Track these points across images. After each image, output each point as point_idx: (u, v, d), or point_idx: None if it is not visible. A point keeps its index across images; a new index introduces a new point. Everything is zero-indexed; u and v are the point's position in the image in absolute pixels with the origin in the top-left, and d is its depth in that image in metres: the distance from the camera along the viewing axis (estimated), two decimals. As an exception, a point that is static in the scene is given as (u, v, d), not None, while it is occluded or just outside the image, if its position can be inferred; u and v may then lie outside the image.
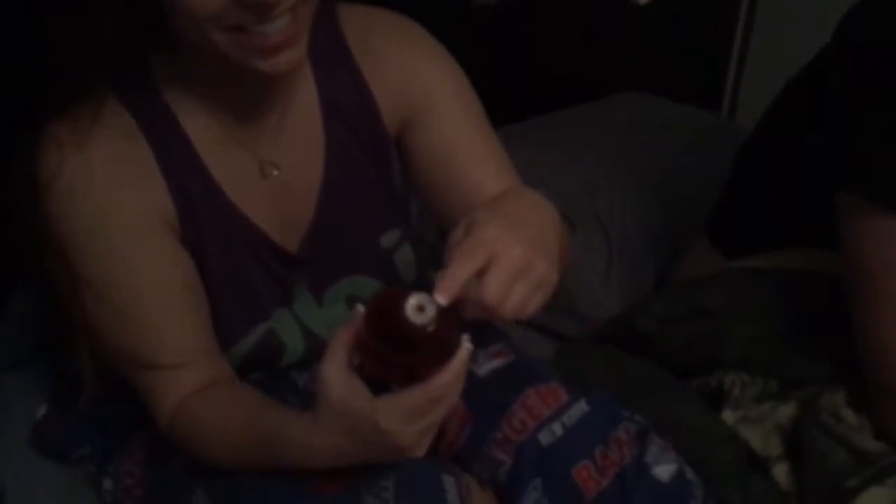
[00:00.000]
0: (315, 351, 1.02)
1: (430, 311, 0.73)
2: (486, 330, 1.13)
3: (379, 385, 0.79)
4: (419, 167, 1.03)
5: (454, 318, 0.75)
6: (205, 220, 0.94)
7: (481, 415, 1.02)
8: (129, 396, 0.97)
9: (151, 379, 0.94)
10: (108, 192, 0.88)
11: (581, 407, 1.03)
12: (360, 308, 0.77)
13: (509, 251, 0.74)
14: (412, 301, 0.73)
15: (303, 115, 0.98)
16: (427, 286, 0.75)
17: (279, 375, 1.05)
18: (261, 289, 0.99)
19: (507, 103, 1.75)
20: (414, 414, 0.77)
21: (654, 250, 1.48)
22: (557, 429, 1.01)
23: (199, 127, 0.93)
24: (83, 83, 0.86)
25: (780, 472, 1.07)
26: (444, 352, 0.77)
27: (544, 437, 1.00)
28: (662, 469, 1.00)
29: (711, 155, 1.64)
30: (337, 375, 0.78)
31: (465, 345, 0.77)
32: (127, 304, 0.91)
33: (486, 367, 1.07)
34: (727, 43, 2.14)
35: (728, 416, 1.13)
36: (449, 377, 0.77)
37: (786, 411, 1.11)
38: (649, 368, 1.22)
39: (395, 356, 0.75)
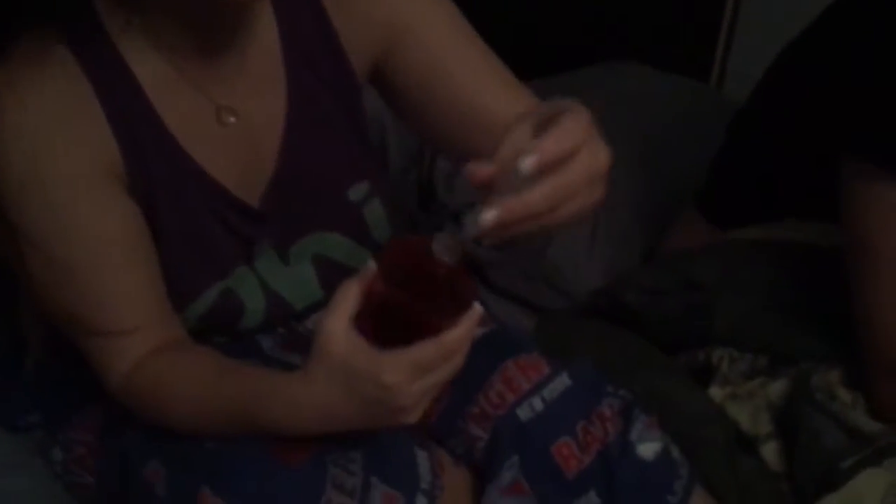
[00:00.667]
0: (278, 313, 0.98)
1: (457, 252, 0.71)
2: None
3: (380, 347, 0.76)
4: (409, 96, 0.95)
5: (469, 273, 0.73)
6: (155, 169, 0.87)
7: (457, 387, 0.95)
8: (80, 360, 0.91)
9: (100, 344, 0.88)
10: (44, 138, 0.81)
11: (563, 380, 0.97)
12: (372, 263, 0.75)
13: (598, 151, 0.70)
14: (441, 239, 0.70)
15: (263, 56, 0.91)
16: None
17: (241, 339, 0.99)
18: (218, 245, 0.92)
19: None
20: (421, 368, 0.75)
21: (641, 222, 1.43)
22: (537, 403, 0.95)
23: (150, 69, 0.86)
24: (19, 21, 0.79)
25: (770, 451, 1.03)
26: (461, 304, 0.74)
27: (523, 412, 0.95)
28: (647, 447, 0.96)
29: (700, 125, 1.60)
30: (341, 328, 0.75)
31: (476, 305, 0.75)
32: (68, 262, 0.84)
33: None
34: (717, 12, 2.09)
35: (715, 392, 1.09)
36: (462, 332, 0.74)
37: (776, 388, 1.06)
38: (635, 342, 1.17)
39: (411, 305, 0.73)
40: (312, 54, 0.92)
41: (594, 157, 0.70)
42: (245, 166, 0.92)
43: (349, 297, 0.76)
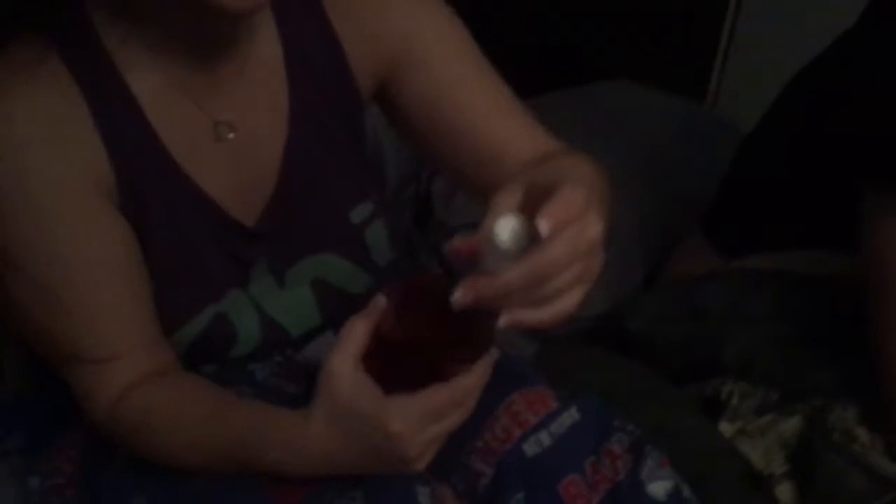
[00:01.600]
0: (273, 340, 0.94)
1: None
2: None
3: (387, 390, 0.73)
4: (414, 121, 0.92)
5: (490, 315, 0.67)
6: (147, 185, 0.82)
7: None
8: (62, 386, 0.86)
9: (84, 371, 0.84)
10: (32, 152, 0.77)
11: (571, 415, 0.93)
12: (382, 298, 0.72)
13: (589, 225, 0.65)
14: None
15: (264, 69, 0.87)
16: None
17: (233, 367, 0.94)
18: (211, 266, 0.88)
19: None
20: (430, 416, 0.73)
21: (643, 244, 1.39)
22: (545, 438, 0.91)
23: (146, 81, 0.81)
24: (10, 28, 0.75)
25: (785, 492, 0.99)
26: (477, 349, 0.71)
27: (530, 448, 0.91)
28: (658, 486, 0.92)
29: (698, 145, 1.59)
30: (347, 369, 0.72)
31: (494, 349, 0.72)
32: (52, 283, 0.80)
33: (465, 367, 0.96)
34: (714, 32, 2.07)
35: (725, 427, 1.05)
36: (475, 379, 0.72)
37: (789, 425, 1.03)
38: (641, 372, 1.13)
39: (425, 349, 0.70)
40: (316, 70, 0.88)
41: (582, 233, 0.65)
42: (243, 184, 0.87)
43: (357, 335, 0.72)
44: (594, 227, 0.66)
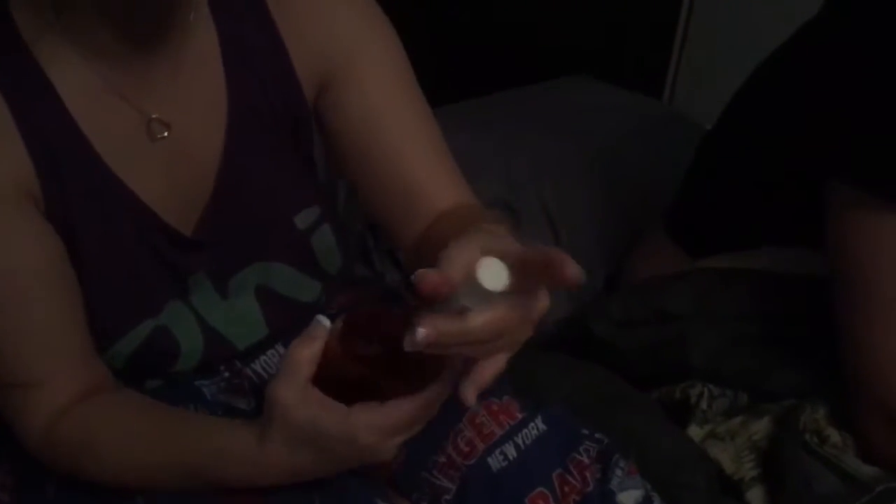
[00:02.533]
0: (218, 353, 0.90)
1: None
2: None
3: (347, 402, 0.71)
4: (339, 138, 0.88)
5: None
6: (75, 189, 0.77)
7: (423, 434, 0.87)
8: None
9: (12, 395, 0.79)
10: None
11: (537, 425, 0.90)
12: (326, 322, 0.71)
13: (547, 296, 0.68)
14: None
15: (201, 67, 0.82)
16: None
17: (178, 383, 0.90)
18: (148, 278, 0.83)
19: (442, 83, 1.64)
20: (397, 428, 0.72)
21: (604, 244, 1.37)
22: (510, 451, 0.88)
23: (71, 77, 0.76)
24: None
25: (756, 496, 0.97)
26: (428, 376, 0.71)
27: (494, 461, 0.88)
28: (628, 495, 0.90)
29: (658, 142, 1.58)
30: (298, 396, 0.70)
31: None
32: None
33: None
34: (669, 29, 2.06)
35: (695, 431, 1.03)
36: (442, 388, 0.71)
37: (759, 427, 1.01)
38: (607, 377, 1.11)
39: (374, 379, 0.69)
40: (258, 70, 0.84)
41: (540, 302, 0.67)
42: (178, 188, 0.83)
43: (301, 364, 0.70)
44: (546, 299, 0.68)
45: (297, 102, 0.87)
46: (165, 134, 0.81)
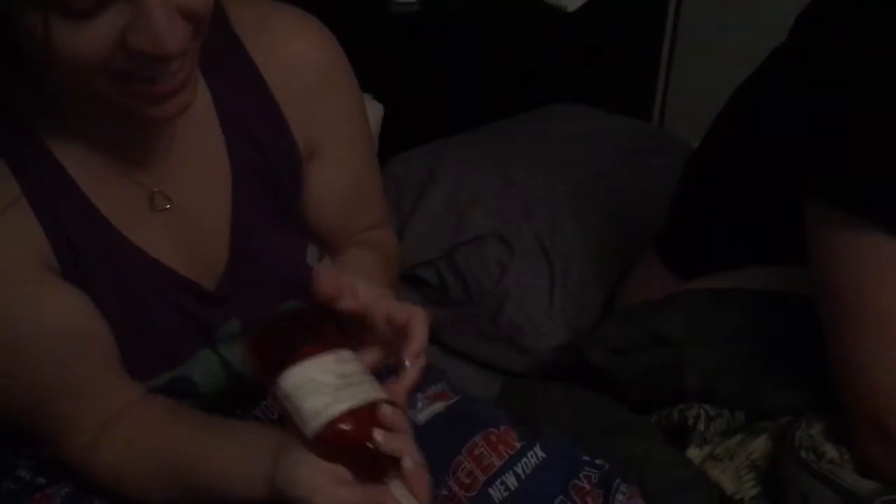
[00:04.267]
0: (235, 393, 0.93)
1: None
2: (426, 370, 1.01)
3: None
4: (307, 204, 0.93)
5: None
6: (90, 260, 0.79)
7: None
8: (26, 442, 0.87)
9: (49, 429, 0.84)
10: None
11: (536, 453, 0.92)
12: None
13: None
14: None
15: (199, 131, 0.84)
16: None
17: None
18: (172, 333, 0.85)
19: (430, 118, 1.66)
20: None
21: (600, 271, 1.37)
22: (511, 481, 0.89)
23: (75, 157, 0.79)
24: None
25: (757, 515, 0.96)
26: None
27: (496, 492, 0.90)
28: (632, 519, 0.89)
29: (648, 166, 1.57)
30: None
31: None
32: (6, 369, 0.78)
33: (425, 412, 0.94)
34: (655, 51, 2.08)
35: (694, 453, 1.03)
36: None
37: (757, 445, 1.01)
38: (604, 404, 1.11)
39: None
40: (253, 126, 0.86)
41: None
42: (192, 252, 0.85)
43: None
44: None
45: (293, 156, 0.89)
46: (167, 206, 0.83)
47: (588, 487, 0.90)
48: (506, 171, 1.46)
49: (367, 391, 0.73)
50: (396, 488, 0.72)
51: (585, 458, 0.93)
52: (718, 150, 1.17)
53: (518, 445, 0.91)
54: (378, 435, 0.71)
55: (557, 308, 1.31)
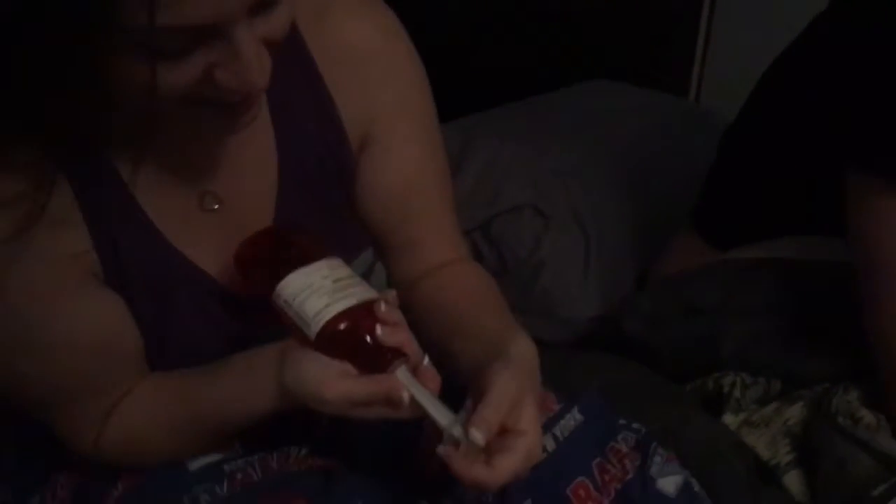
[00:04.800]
0: None
1: None
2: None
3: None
4: (361, 198, 0.91)
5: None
6: (132, 263, 0.80)
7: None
8: (39, 431, 0.86)
9: (62, 415, 0.84)
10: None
11: (574, 416, 0.92)
12: None
13: (537, 449, 0.75)
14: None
15: (251, 130, 0.80)
16: None
17: None
18: (204, 347, 0.85)
19: (466, 93, 1.67)
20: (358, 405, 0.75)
21: (634, 243, 1.38)
22: (549, 442, 0.89)
23: (128, 160, 0.77)
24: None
25: (792, 480, 0.98)
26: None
27: (535, 454, 0.89)
28: (668, 481, 0.90)
29: (685, 140, 1.58)
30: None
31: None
32: (36, 369, 0.79)
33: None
34: (692, 26, 2.06)
35: (729, 420, 1.04)
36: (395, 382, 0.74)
37: (793, 413, 1.01)
38: (639, 372, 1.12)
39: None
40: (305, 123, 0.85)
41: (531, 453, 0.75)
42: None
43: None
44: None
45: (344, 155, 0.88)
46: (216, 206, 0.83)
47: (625, 450, 0.90)
48: (541, 145, 1.47)
49: (362, 292, 0.77)
50: (403, 375, 0.74)
51: (622, 421, 0.94)
52: (756, 120, 1.18)
53: (556, 408, 0.92)
54: (378, 329, 0.74)
55: (592, 279, 1.32)
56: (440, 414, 0.73)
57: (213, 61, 0.65)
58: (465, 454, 0.72)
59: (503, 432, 0.73)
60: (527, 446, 0.73)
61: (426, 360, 0.76)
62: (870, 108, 0.93)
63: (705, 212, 1.26)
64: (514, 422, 0.73)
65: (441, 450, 0.72)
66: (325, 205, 0.89)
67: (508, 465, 0.72)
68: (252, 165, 0.84)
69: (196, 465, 0.87)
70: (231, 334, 0.85)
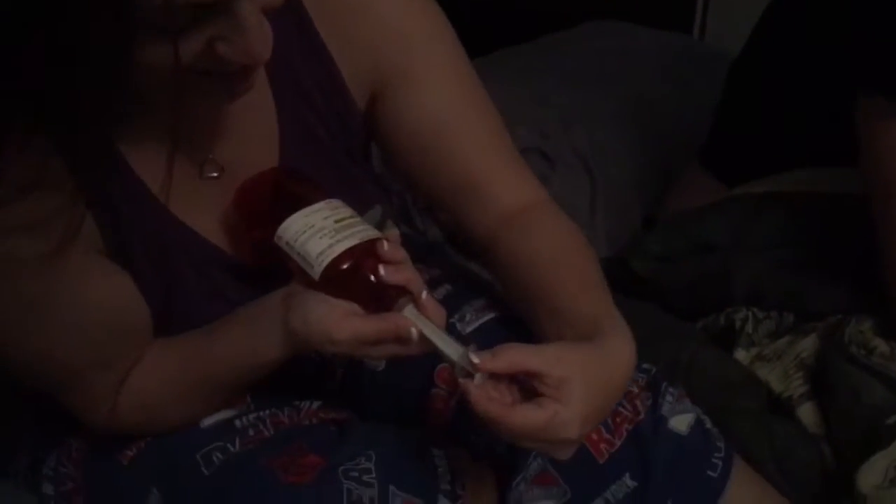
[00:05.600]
0: None
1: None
2: (471, 281, 1.01)
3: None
4: (396, 143, 0.88)
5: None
6: (133, 235, 0.79)
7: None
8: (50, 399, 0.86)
9: (76, 397, 0.83)
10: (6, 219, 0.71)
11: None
12: None
13: (566, 427, 0.71)
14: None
15: (247, 98, 0.78)
16: None
17: None
18: (206, 311, 0.84)
19: (469, 35, 1.64)
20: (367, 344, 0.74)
21: (641, 184, 1.37)
22: None
23: (125, 132, 0.76)
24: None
25: (806, 412, 0.97)
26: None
27: (546, 395, 0.88)
28: (680, 420, 0.89)
29: (690, 79, 1.57)
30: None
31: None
32: (44, 346, 0.78)
33: (474, 323, 0.94)
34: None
35: (741, 355, 1.04)
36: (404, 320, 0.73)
37: (806, 345, 1.01)
38: (650, 312, 1.11)
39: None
40: (304, 82, 0.84)
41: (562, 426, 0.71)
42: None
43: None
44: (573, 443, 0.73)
45: (347, 110, 0.86)
46: (217, 174, 0.82)
47: (636, 391, 0.90)
48: (544, 87, 1.45)
49: (364, 231, 0.76)
50: (410, 312, 0.74)
51: (632, 362, 0.93)
52: (764, 52, 1.16)
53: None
54: (381, 268, 0.74)
55: (599, 220, 1.31)
56: (449, 347, 0.73)
57: (216, 35, 0.65)
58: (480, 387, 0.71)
59: (541, 394, 0.71)
60: (555, 414, 0.70)
61: (424, 294, 0.75)
62: (880, 29, 0.91)
63: (714, 148, 1.24)
64: (556, 392, 0.70)
65: (462, 382, 0.71)
66: (329, 164, 0.87)
67: (528, 415, 0.70)
68: (252, 130, 0.83)
69: (208, 422, 0.87)
70: (235, 301, 0.83)
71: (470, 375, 0.71)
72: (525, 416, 0.70)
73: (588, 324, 0.78)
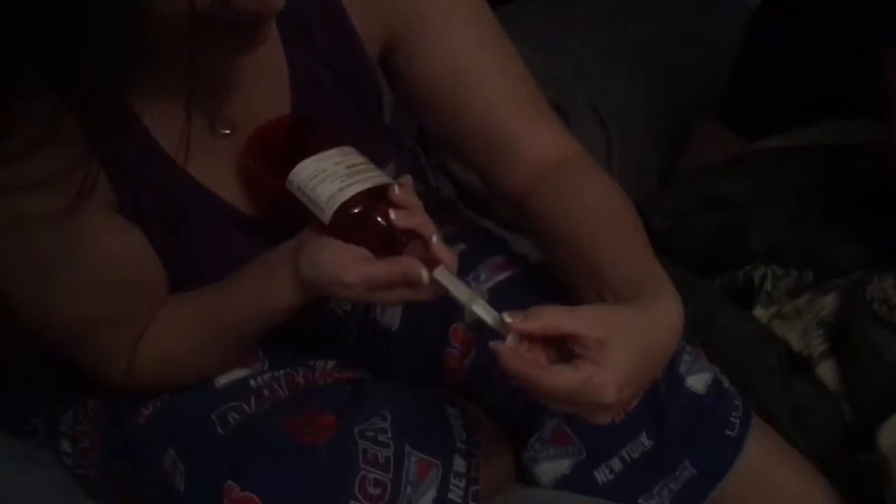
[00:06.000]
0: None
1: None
2: (485, 238, 1.00)
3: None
4: (420, 92, 0.85)
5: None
6: (146, 192, 0.78)
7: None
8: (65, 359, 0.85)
9: (93, 354, 0.82)
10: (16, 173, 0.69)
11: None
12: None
13: (602, 390, 0.68)
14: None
15: (258, 54, 0.76)
16: None
17: None
18: (220, 267, 0.83)
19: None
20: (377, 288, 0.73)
21: (657, 138, 1.35)
22: None
23: (138, 85, 0.75)
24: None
25: (825, 370, 0.96)
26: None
27: (563, 356, 0.88)
28: (697, 379, 0.89)
29: (707, 30, 1.53)
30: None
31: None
32: (60, 300, 0.77)
33: (490, 281, 0.93)
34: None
35: (760, 313, 1.03)
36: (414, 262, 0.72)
37: (826, 302, 0.99)
38: (667, 268, 1.09)
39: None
40: (315, 35, 0.82)
41: (600, 388, 0.68)
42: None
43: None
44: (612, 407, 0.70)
45: (361, 65, 0.84)
46: (228, 131, 0.81)
47: (653, 349, 0.89)
48: (557, 39, 1.42)
49: (376, 176, 0.76)
50: (440, 273, 0.72)
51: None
52: (785, 2, 1.13)
53: None
54: (392, 213, 0.73)
55: (614, 174, 1.29)
56: (460, 291, 0.72)
57: None
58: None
59: (578, 356, 0.68)
60: (591, 375, 0.67)
61: (434, 238, 0.73)
62: None
63: (732, 101, 1.22)
64: (593, 354, 0.68)
65: (492, 344, 0.69)
66: (342, 118, 0.86)
67: (562, 375, 0.67)
68: (263, 85, 0.82)
69: (223, 381, 0.87)
70: (248, 258, 0.82)
71: (478, 322, 0.70)
72: (559, 377, 0.67)
73: (631, 283, 0.76)
